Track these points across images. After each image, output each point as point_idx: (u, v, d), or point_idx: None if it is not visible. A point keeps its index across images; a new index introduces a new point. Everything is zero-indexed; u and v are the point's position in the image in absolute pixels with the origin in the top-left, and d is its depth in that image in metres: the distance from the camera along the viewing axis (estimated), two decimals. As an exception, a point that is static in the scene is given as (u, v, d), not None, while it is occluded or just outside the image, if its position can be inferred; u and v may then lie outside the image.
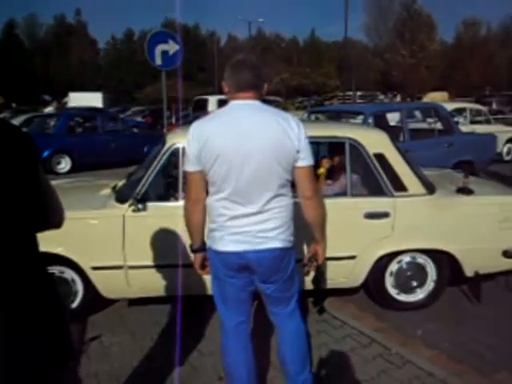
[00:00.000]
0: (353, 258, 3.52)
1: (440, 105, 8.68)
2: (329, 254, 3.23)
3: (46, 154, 10.15)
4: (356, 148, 3.52)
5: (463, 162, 7.09)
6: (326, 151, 4.21)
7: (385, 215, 3.48)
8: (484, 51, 48.16)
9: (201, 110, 17.27)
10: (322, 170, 3.92)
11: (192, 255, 2.39)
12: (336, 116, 8.21)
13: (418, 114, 11.17)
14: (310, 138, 3.68)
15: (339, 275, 3.56)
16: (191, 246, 2.34)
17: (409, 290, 3.73)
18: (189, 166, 2.17)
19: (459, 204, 3.66)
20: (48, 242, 3.20)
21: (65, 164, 11.27)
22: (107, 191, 3.82)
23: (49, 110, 18.57)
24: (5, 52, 60.89)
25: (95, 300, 3.58)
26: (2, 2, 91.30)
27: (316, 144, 4.61)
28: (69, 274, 3.49)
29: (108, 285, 3.48)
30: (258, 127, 2.09)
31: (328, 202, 3.37)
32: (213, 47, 59.19)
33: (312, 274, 2.54)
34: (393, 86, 41.24)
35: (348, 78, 39.73)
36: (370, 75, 46.55)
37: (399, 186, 3.52)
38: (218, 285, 2.32)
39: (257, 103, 2.16)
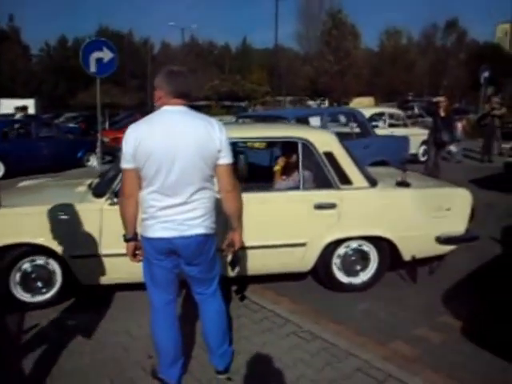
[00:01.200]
0: (304, 245, 3.84)
1: (357, 110, 9.21)
2: (282, 241, 3.76)
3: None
4: (307, 147, 3.86)
5: (378, 163, 7.52)
6: (282, 150, 4.52)
7: (332, 206, 3.82)
8: (405, 58, 50.55)
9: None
10: (277, 168, 4.26)
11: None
12: (262, 120, 8.49)
13: (342, 118, 11.74)
14: (269, 138, 4.31)
15: (291, 260, 3.89)
16: (124, 236, 2.52)
17: (353, 273, 4.06)
18: (124, 163, 2.38)
19: (398, 196, 4.05)
20: (31, 233, 3.53)
21: (-2, 170, 10.91)
22: (83, 188, 4.10)
23: None
24: None
25: (70, 289, 3.84)
26: None
27: (273, 143, 5.10)
28: (52, 264, 3.74)
29: (86, 272, 3.68)
30: (185, 130, 2.33)
31: (282, 195, 3.89)
32: (146, 54, 58.43)
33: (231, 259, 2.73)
34: (320, 91, 42.46)
35: (278, 84, 40.56)
36: (299, 81, 47.60)
37: (345, 180, 3.88)
38: (149, 268, 2.55)
39: (185, 109, 2.41)
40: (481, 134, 13.69)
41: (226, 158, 2.42)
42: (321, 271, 4.02)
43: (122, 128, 14.24)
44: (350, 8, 74.97)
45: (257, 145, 6.36)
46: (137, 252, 2.56)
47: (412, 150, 11.23)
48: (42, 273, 3.76)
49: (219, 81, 41.16)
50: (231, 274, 3.52)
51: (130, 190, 2.42)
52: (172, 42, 71.49)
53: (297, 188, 3.92)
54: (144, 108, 31.79)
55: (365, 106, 15.52)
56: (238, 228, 2.58)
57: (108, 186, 3.67)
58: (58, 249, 3.62)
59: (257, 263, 3.82)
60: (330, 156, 3.86)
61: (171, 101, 2.39)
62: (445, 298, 3.90)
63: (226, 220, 2.59)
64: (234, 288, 4.02)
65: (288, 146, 4.18)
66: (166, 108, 2.40)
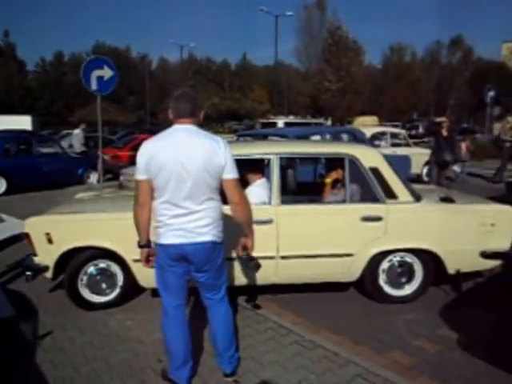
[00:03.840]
0: (351, 255, 4.19)
1: (357, 129, 9.60)
2: (330, 251, 4.15)
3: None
4: (354, 163, 4.24)
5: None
6: (329, 165, 4.89)
7: (378, 219, 4.16)
8: (409, 76, 51.23)
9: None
10: (328, 181, 4.64)
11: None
12: (263, 139, 8.84)
13: (344, 137, 12.10)
14: (317, 154, 4.83)
15: (338, 270, 4.25)
16: (139, 243, 2.85)
17: (398, 285, 4.37)
18: (138, 175, 2.74)
19: (443, 210, 4.37)
20: (98, 238, 4.06)
21: (0, 185, 11.25)
22: None
23: None
24: None
25: (131, 291, 4.33)
26: None
27: (321, 159, 5.57)
28: (113, 267, 4.24)
29: (146, 275, 3.97)
30: (192, 146, 2.67)
31: (331, 207, 4.31)
32: (144, 70, 59.29)
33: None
34: (322, 109, 43.03)
35: (279, 101, 41.14)
36: (300, 99, 48.25)
37: (390, 195, 4.23)
38: (161, 274, 2.87)
39: (193, 127, 2.76)
40: (491, 154, 13.72)
41: (230, 174, 2.75)
42: (367, 282, 4.34)
43: (123, 146, 14.66)
44: (353, 24, 76.06)
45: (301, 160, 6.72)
46: (150, 258, 2.89)
47: (415, 170, 11.54)
48: (106, 275, 4.26)
49: (219, 99, 41.75)
50: (276, 280, 4.06)
51: (143, 200, 2.77)
52: (170, 58, 72.43)
53: (344, 201, 4.28)
54: (143, 126, 32.31)
55: (367, 125, 15.92)
56: (249, 233, 2.90)
57: None
58: (122, 252, 4.07)
59: (305, 272, 4.21)
60: (375, 171, 4.23)
61: (180, 120, 2.76)
62: (443, 311, 4.18)
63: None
64: (241, 300, 4.35)
65: (335, 162, 4.56)
66: (175, 126, 2.77)
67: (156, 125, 41.46)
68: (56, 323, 3.98)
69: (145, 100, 54.15)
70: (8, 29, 67.15)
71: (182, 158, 2.65)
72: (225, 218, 2.90)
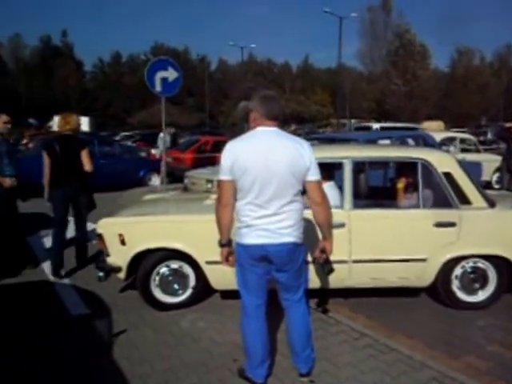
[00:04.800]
0: (424, 260, 4.34)
1: (428, 134, 9.58)
2: (402, 256, 4.32)
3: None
4: (427, 167, 4.40)
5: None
6: (401, 169, 5.07)
7: (452, 225, 4.30)
8: (478, 80, 49.84)
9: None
10: (400, 186, 4.81)
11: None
12: (330, 143, 9.01)
13: (411, 141, 12.05)
14: (390, 158, 4.94)
15: (411, 275, 4.42)
16: (220, 242, 3.09)
17: (472, 291, 4.50)
18: (222, 175, 2.96)
19: None
20: (170, 239, 4.39)
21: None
22: (210, 201, 4.79)
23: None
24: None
25: (202, 293, 4.59)
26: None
27: (393, 163, 5.69)
28: (186, 268, 4.50)
29: (218, 277, 4.34)
30: (277, 148, 2.88)
31: (404, 212, 4.48)
32: (203, 71, 60.60)
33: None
34: (386, 114, 42.55)
35: (342, 105, 40.95)
36: (363, 103, 47.91)
37: (464, 200, 4.36)
38: (242, 273, 3.09)
39: (277, 130, 2.97)
40: None
41: (314, 175, 2.95)
42: (440, 288, 4.47)
43: (185, 149, 15.18)
44: (418, 26, 74.44)
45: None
46: (229, 258, 3.11)
47: (485, 177, 11.41)
48: (178, 276, 4.52)
49: (284, 101, 41.94)
50: (349, 284, 4.27)
51: (226, 200, 2.98)
52: (230, 60, 73.51)
53: (417, 206, 4.42)
54: (203, 128, 33.04)
55: (433, 130, 15.70)
56: (328, 237, 3.09)
57: None
58: (195, 254, 4.36)
59: (377, 276, 4.39)
60: (449, 176, 4.36)
61: (265, 122, 2.96)
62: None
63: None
64: (314, 300, 4.57)
65: (408, 166, 4.71)
66: (260, 128, 2.97)
67: (215, 127, 42.32)
68: (129, 322, 4.28)
69: (204, 102, 55.36)
70: (66, 29, 70.28)
71: (267, 160, 2.85)
72: (304, 221, 3.09)
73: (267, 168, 2.85)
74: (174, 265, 4.51)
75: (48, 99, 58.03)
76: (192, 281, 4.53)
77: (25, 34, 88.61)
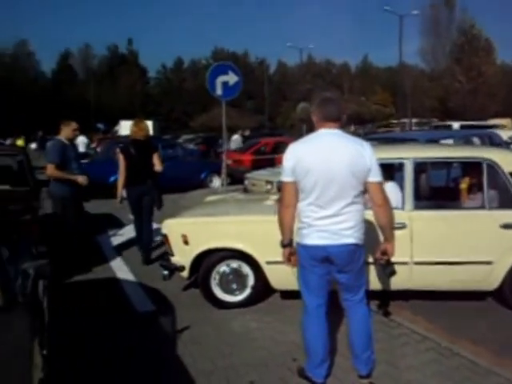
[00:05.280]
0: (489, 263, 4.22)
1: (494, 132, 9.20)
2: (466, 259, 4.20)
3: (112, 179, 11.23)
4: (492, 167, 4.27)
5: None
6: (465, 170, 4.98)
7: None
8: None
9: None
10: (464, 186, 4.71)
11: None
12: (391, 143, 8.83)
13: (476, 140, 11.60)
14: (453, 158, 4.81)
15: (475, 278, 4.29)
16: (282, 242, 3.12)
17: None
18: (284, 177, 3.00)
19: None
20: (232, 239, 4.48)
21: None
22: (271, 202, 4.90)
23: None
24: (58, 82, 65.00)
25: (262, 292, 4.64)
26: (58, 34, 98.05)
27: (456, 163, 5.58)
28: (245, 268, 4.57)
29: (279, 278, 4.40)
30: (339, 150, 2.90)
31: (468, 213, 4.38)
32: (261, 74, 61.00)
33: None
34: (450, 112, 41.17)
35: (403, 104, 40.00)
36: (426, 101, 46.57)
37: None
38: (304, 273, 3.12)
39: (339, 131, 2.98)
40: None
41: (375, 177, 2.94)
42: (507, 292, 4.29)
43: (245, 150, 15.32)
44: (482, 20, 71.56)
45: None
46: (291, 258, 3.13)
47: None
48: (237, 276, 4.60)
49: (343, 102, 41.51)
50: (410, 286, 4.21)
51: (288, 201, 3.02)
52: (288, 62, 73.64)
53: (482, 207, 4.28)
54: (262, 130, 33.23)
55: (500, 128, 15.06)
56: (390, 238, 3.06)
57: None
58: (255, 254, 4.43)
59: (440, 279, 4.29)
60: None
61: (326, 124, 2.99)
62: None
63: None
64: (375, 302, 4.50)
65: (472, 166, 4.59)
66: (321, 130, 3.00)
67: (274, 129, 42.50)
68: (192, 319, 4.39)
69: (263, 104, 55.74)
70: (131, 37, 72.95)
71: (329, 162, 2.86)
72: (365, 222, 3.08)
73: (329, 169, 2.87)
74: (234, 264, 4.58)
75: (114, 105, 60.42)
76: (251, 280, 4.59)
77: (94, 44, 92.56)
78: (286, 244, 3.11)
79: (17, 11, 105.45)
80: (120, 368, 3.62)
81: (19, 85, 61.31)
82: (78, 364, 3.64)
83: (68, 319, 4.34)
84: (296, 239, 3.09)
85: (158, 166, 6.26)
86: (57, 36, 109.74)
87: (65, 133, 6.06)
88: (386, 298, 4.56)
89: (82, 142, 16.08)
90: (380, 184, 2.96)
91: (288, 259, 3.15)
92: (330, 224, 2.92)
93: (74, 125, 6.12)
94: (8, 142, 32.70)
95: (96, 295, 5.20)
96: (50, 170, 5.81)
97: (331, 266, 3.03)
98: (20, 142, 19.73)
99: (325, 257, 2.98)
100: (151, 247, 6.48)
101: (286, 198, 3.03)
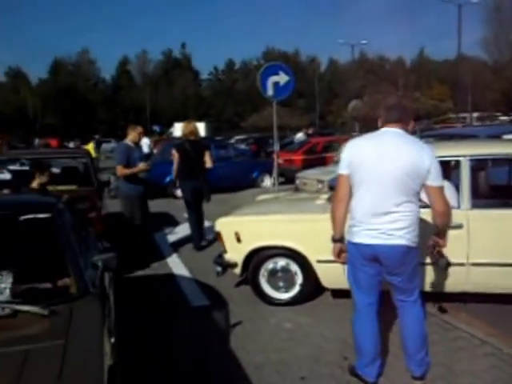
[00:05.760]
0: None
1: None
2: None
3: (168, 180, 11.50)
4: None
5: None
6: None
7: None
8: None
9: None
10: None
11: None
12: (448, 140, 8.57)
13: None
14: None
15: None
16: (333, 237, 3.10)
17: None
18: (341, 169, 3.00)
19: None
20: (283, 238, 4.50)
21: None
22: (321, 201, 4.95)
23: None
24: (117, 87, 67.41)
25: (312, 290, 4.63)
26: (117, 40, 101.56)
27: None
28: (293, 266, 4.59)
29: (330, 276, 4.41)
30: (397, 149, 2.86)
31: None
32: (312, 73, 60.64)
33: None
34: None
35: (462, 98, 38.61)
36: (488, 94, 44.76)
37: None
38: (353, 271, 3.09)
39: (400, 131, 2.95)
40: None
41: (435, 181, 2.87)
42: None
43: (296, 150, 15.29)
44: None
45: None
46: (342, 254, 3.11)
47: None
48: (285, 273, 4.63)
49: (397, 98, 40.42)
50: (467, 288, 4.09)
51: (341, 194, 3.00)
52: (340, 59, 72.85)
53: None
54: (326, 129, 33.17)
55: None
56: (442, 235, 2.99)
57: None
58: (306, 252, 4.45)
59: (499, 281, 4.11)
60: None
61: (388, 124, 2.98)
62: None
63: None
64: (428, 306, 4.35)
65: None
66: (384, 129, 2.99)
67: (325, 127, 42.17)
68: (244, 315, 4.46)
69: (314, 103, 55.50)
70: (185, 41, 74.56)
71: (385, 159, 2.83)
72: (421, 222, 3.00)
73: (384, 167, 2.84)
74: (282, 262, 4.61)
75: (169, 108, 61.92)
76: (299, 278, 4.59)
77: (150, 49, 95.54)
78: (337, 239, 3.10)
79: (79, 21, 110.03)
80: (176, 359, 3.75)
81: (81, 91, 64.17)
82: (142, 355, 3.79)
83: (129, 311, 4.47)
84: (347, 236, 3.07)
85: (208, 163, 6.95)
86: (116, 43, 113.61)
87: (131, 136, 6.55)
88: (441, 300, 4.42)
89: (145, 143, 16.65)
90: (440, 189, 2.89)
91: (338, 255, 3.13)
92: (380, 223, 2.87)
93: (139, 129, 6.64)
94: (71, 145, 34.23)
95: (154, 290, 5.41)
96: (119, 170, 6.37)
97: (381, 266, 2.97)
98: (90, 146, 20.81)
99: (374, 256, 2.94)
100: (203, 233, 7.09)
101: (339, 190, 3.03)
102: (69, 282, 2.68)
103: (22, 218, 3.12)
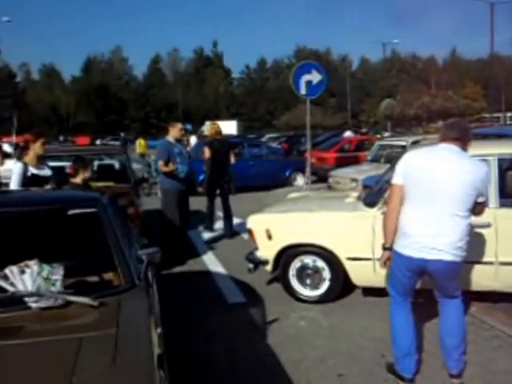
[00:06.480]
0: None
1: None
2: None
3: (201, 178, 11.60)
4: None
5: None
6: None
7: None
8: None
9: None
10: None
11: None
12: (482, 139, 8.42)
13: None
14: None
15: None
16: (383, 245, 3.13)
17: None
18: (395, 179, 3.04)
19: None
20: (314, 235, 4.55)
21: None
22: (351, 199, 5.00)
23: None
24: (149, 85, 68.17)
25: (342, 287, 4.62)
26: (149, 39, 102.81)
27: None
28: (320, 263, 4.61)
29: (359, 274, 4.46)
30: (452, 165, 2.89)
31: None
32: (344, 71, 60.13)
33: None
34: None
35: (495, 98, 37.76)
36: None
37: None
38: (394, 278, 3.14)
39: (457, 148, 2.97)
40: None
41: (483, 198, 2.93)
42: None
43: (328, 148, 15.25)
44: None
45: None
46: (388, 262, 3.13)
47: None
48: (313, 270, 4.65)
49: (430, 97, 39.57)
50: (496, 287, 4.06)
51: (394, 204, 3.04)
52: (372, 58, 72.08)
53: None
54: (344, 128, 32.89)
55: None
56: None
57: (379, 197, 4.38)
58: (337, 250, 4.47)
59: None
60: None
61: (446, 141, 3.01)
62: None
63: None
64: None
65: None
66: (442, 144, 3.02)
67: (357, 126, 41.78)
68: (279, 312, 4.50)
69: (345, 102, 55.03)
70: (216, 40, 74.68)
71: (439, 175, 2.87)
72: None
73: (437, 182, 2.87)
74: (311, 259, 4.62)
75: (200, 106, 62.29)
76: (327, 275, 4.59)
77: (182, 47, 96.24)
78: (387, 248, 3.12)
79: (112, 20, 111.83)
80: (215, 354, 3.80)
81: (113, 89, 65.07)
82: (184, 349, 3.85)
83: (169, 306, 4.57)
84: (394, 246, 3.08)
85: (232, 160, 7.84)
86: (148, 42, 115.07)
87: (172, 133, 6.71)
88: (477, 299, 4.38)
89: (193, 140, 17.11)
90: (485, 202, 3.00)
91: (384, 263, 3.16)
92: (427, 236, 2.90)
93: (179, 125, 6.87)
94: (98, 142, 34.87)
95: (191, 286, 5.49)
96: (161, 166, 6.56)
97: (425, 277, 3.05)
98: (141, 142, 21.39)
99: (421, 269, 2.98)
100: (232, 226, 7.66)
101: (392, 200, 3.06)
102: (116, 275, 2.75)
103: (70, 212, 3.19)
